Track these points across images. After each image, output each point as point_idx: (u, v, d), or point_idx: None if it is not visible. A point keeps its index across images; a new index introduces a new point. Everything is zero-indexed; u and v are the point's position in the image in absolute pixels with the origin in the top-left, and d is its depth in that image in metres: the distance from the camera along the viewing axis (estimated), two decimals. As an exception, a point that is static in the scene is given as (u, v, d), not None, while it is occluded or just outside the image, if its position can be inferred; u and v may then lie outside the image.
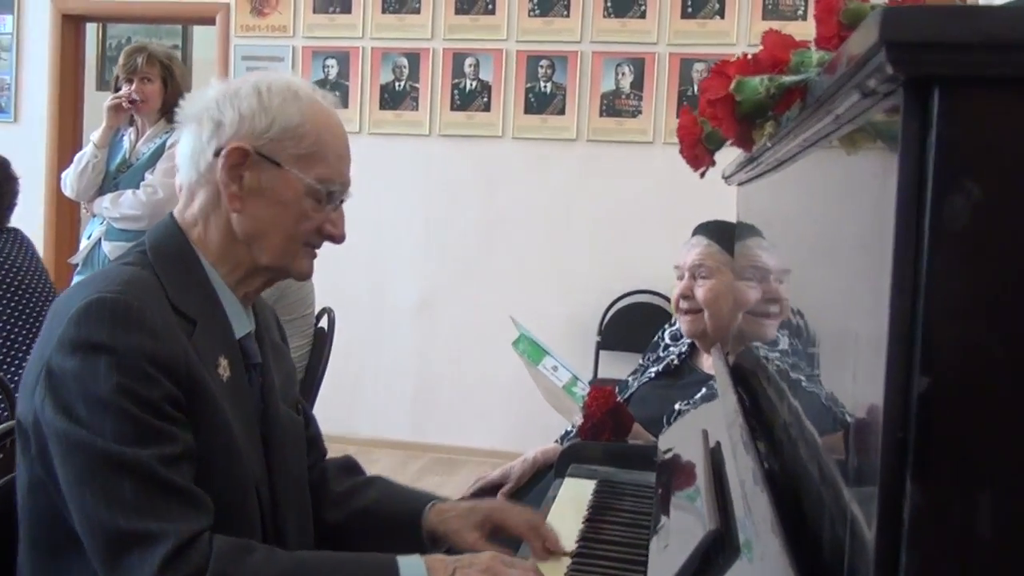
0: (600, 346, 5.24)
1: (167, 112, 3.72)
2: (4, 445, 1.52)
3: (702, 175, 1.20)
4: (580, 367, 5.20)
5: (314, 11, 5.46)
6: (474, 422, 5.38)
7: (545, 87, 5.26)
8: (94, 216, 3.88)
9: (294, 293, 3.31)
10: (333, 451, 5.56)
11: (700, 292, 2.43)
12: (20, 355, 2.84)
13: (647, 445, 2.16)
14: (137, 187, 3.74)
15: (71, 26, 5.79)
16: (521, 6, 5.24)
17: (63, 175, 3.93)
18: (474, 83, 5.32)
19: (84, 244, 3.89)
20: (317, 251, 1.54)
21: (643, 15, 5.11)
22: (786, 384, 1.18)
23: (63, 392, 1.25)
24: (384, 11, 5.39)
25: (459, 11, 5.31)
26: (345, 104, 5.43)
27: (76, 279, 3.61)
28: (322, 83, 5.46)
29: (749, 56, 0.92)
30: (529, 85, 5.27)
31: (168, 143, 3.69)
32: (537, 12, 5.23)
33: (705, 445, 1.51)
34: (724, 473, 1.30)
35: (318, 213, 1.45)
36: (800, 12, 4.87)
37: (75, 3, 5.73)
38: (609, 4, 5.14)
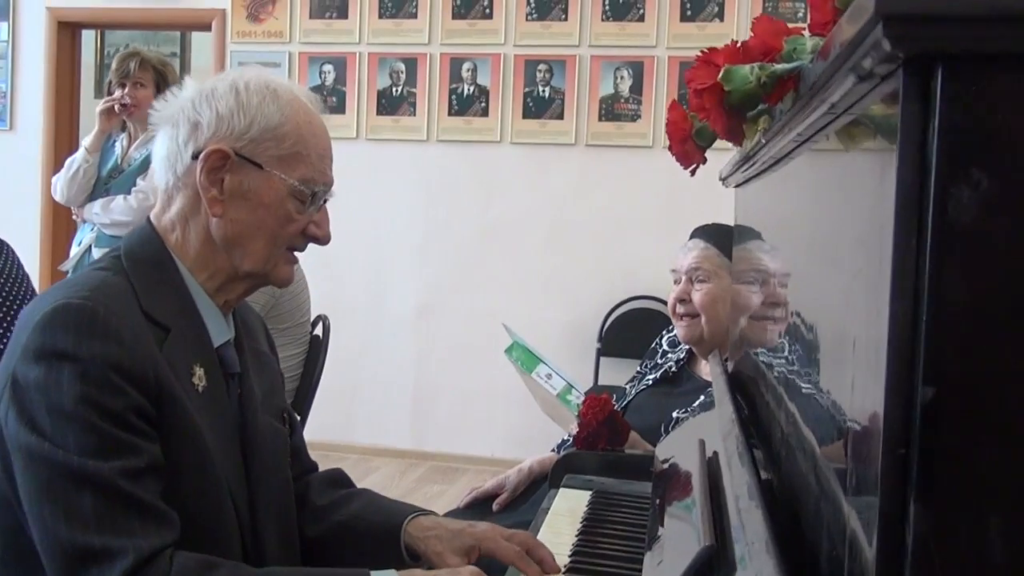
0: (600, 353, 5.19)
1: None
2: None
3: (692, 173, 1.15)
4: (580, 374, 5.18)
5: (310, 16, 5.42)
6: (474, 430, 5.32)
7: (543, 91, 5.21)
8: (84, 222, 3.83)
9: (289, 300, 3.26)
10: (332, 459, 5.53)
11: (697, 296, 2.38)
12: None
13: (644, 454, 2.11)
14: (129, 193, 3.70)
15: (67, 33, 5.75)
16: (519, 10, 5.20)
17: (54, 180, 3.89)
18: (472, 88, 5.28)
19: (74, 251, 3.84)
20: (298, 256, 1.48)
21: (642, 18, 5.06)
22: (785, 392, 1.13)
23: (27, 403, 1.20)
24: (381, 16, 5.35)
25: (456, 15, 5.27)
26: (342, 110, 5.39)
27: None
28: (319, 89, 5.42)
29: (739, 44, 0.87)
30: (527, 90, 5.22)
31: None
32: (535, 16, 5.18)
33: (701, 456, 1.45)
34: (721, 485, 1.25)
35: (302, 215, 1.40)
36: (800, 15, 4.82)
37: (70, 10, 5.69)
38: (607, 7, 5.09)
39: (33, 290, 2.94)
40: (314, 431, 5.22)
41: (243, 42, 5.49)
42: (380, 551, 1.51)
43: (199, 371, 1.34)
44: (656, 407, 2.43)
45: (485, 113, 5.27)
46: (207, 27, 5.57)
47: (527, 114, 5.23)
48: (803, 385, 0.99)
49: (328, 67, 5.42)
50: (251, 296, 3.05)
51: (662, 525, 1.44)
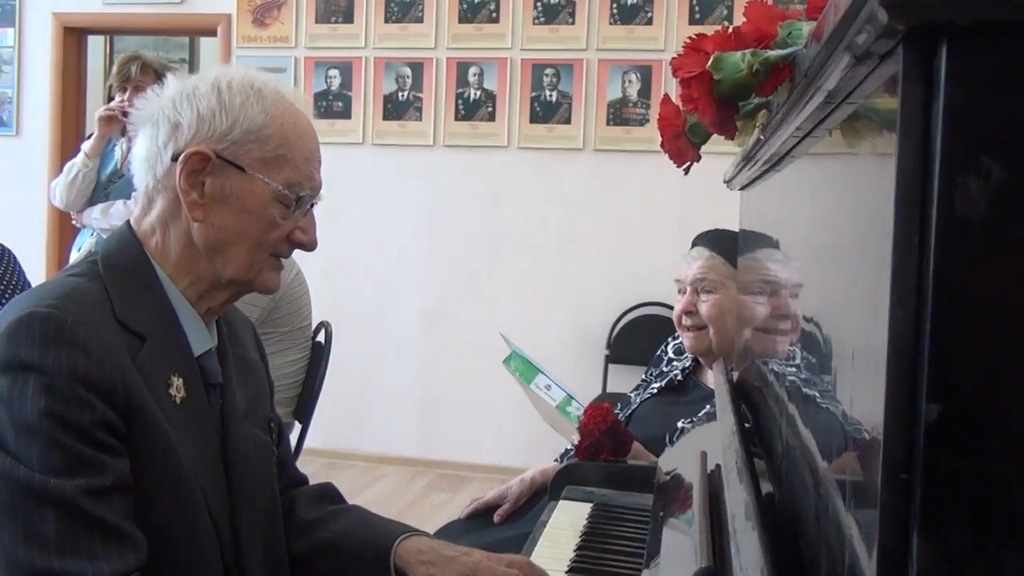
0: (609, 360, 5.12)
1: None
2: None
3: (686, 171, 1.09)
4: (589, 381, 5.13)
5: (316, 21, 5.38)
6: (481, 438, 5.26)
7: (551, 96, 5.15)
8: (84, 227, 3.79)
9: (289, 304, 3.21)
10: (339, 467, 5.48)
11: (704, 308, 2.31)
12: None
13: (648, 466, 2.05)
14: (128, 197, 3.65)
15: (73, 39, 5.73)
16: (526, 14, 5.15)
17: (53, 185, 3.85)
18: (478, 92, 5.22)
19: (74, 256, 3.80)
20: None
21: (650, 22, 5.00)
22: (787, 405, 1.06)
23: None
24: (387, 20, 5.30)
25: (463, 19, 5.22)
26: (348, 115, 5.35)
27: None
28: (324, 93, 5.38)
29: (730, 29, 0.81)
30: (534, 94, 5.17)
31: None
32: (542, 20, 5.13)
33: (703, 469, 1.39)
34: (722, 500, 1.19)
35: (287, 220, 1.35)
36: (803, 3, 4.75)
37: (76, 16, 5.67)
38: (615, 11, 5.04)
39: None
40: (321, 439, 5.22)
41: (249, 47, 5.45)
42: (367, 572, 1.45)
43: (177, 381, 1.29)
44: (661, 417, 2.37)
45: (492, 118, 5.21)
46: (212, 32, 5.54)
47: (534, 119, 5.18)
48: (805, 399, 0.93)
49: (334, 72, 5.37)
50: (251, 301, 3.05)
51: (661, 541, 1.38)
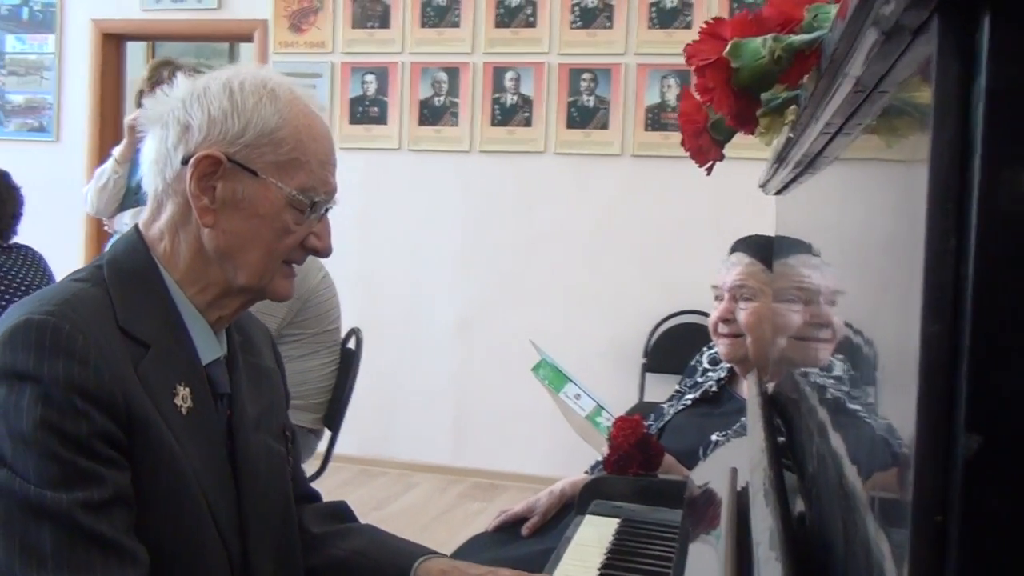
0: (646, 369, 5.04)
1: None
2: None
3: (708, 171, 1.02)
4: (625, 390, 5.04)
5: (352, 26, 5.36)
6: (516, 446, 5.20)
7: (588, 101, 5.09)
8: (115, 233, 3.79)
9: (317, 306, 3.18)
10: (372, 474, 5.44)
11: (743, 316, 2.24)
12: None
13: (679, 480, 1.98)
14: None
15: (112, 45, 5.76)
16: (563, 18, 5.09)
17: (84, 191, 3.85)
18: (515, 97, 5.17)
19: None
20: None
21: (688, 25, 4.92)
22: (819, 421, 0.99)
23: None
24: (423, 25, 5.27)
25: (499, 24, 5.17)
26: (384, 120, 5.32)
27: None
28: (360, 99, 5.36)
29: (751, 13, 0.74)
30: (571, 99, 5.11)
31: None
32: (579, 24, 5.07)
33: (732, 486, 1.32)
34: (750, 521, 1.12)
35: (300, 226, 1.30)
36: None
37: (115, 22, 5.70)
38: (653, 14, 4.96)
39: None
40: (354, 446, 5.19)
41: (285, 53, 5.45)
42: None
43: (183, 391, 1.24)
44: (694, 429, 2.29)
45: (528, 123, 5.16)
46: (249, 38, 5.54)
47: (571, 124, 5.11)
48: (836, 414, 0.86)
49: (370, 77, 5.35)
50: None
51: (687, 563, 1.31)
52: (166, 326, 1.25)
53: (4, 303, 2.83)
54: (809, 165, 1.09)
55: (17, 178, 3.20)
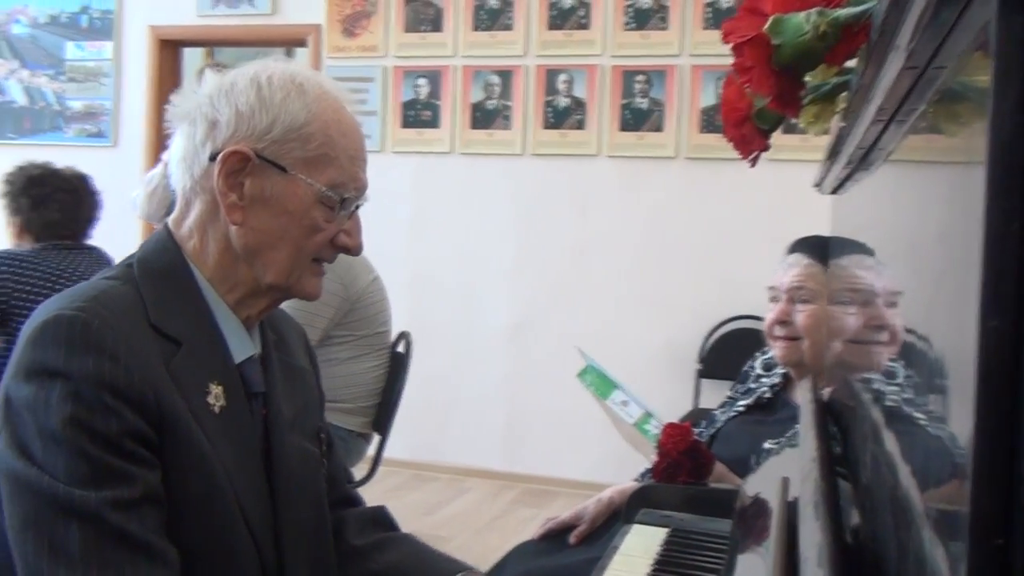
0: (701, 375, 4.96)
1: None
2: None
3: (753, 163, 0.96)
4: (679, 397, 4.97)
5: (405, 30, 5.35)
6: (568, 452, 5.14)
7: (642, 103, 5.03)
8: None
9: (366, 307, 3.16)
10: (424, 479, 5.44)
11: (800, 318, 2.17)
12: None
13: (730, 489, 1.91)
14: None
15: (168, 51, 5.82)
16: (616, 20, 5.03)
17: (134, 196, 3.87)
18: (568, 100, 5.13)
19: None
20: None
21: (745, 25, 4.84)
22: (873, 428, 0.93)
23: (18, 425, 1.09)
24: (476, 28, 5.25)
25: (552, 26, 5.13)
26: (436, 124, 5.31)
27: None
28: (413, 103, 5.35)
29: (796, -10, 0.68)
30: (625, 101, 5.05)
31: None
32: (633, 25, 5.01)
33: (782, 497, 1.26)
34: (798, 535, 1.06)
35: (330, 223, 1.27)
36: None
37: (171, 28, 5.76)
38: (708, 15, 4.89)
39: None
40: (405, 450, 5.18)
41: (338, 57, 5.46)
42: None
43: (216, 389, 1.21)
44: (747, 436, 2.23)
45: (581, 126, 5.11)
46: (302, 43, 5.56)
47: (625, 127, 5.06)
48: (894, 425, 0.80)
49: (422, 81, 5.34)
50: (325, 301, 3.00)
51: (735, 575, 1.26)
52: (198, 324, 1.23)
53: None
54: (863, 159, 1.03)
55: (75, 183, 3.25)
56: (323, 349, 3.09)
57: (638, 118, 5.03)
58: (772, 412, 2.29)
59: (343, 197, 1.26)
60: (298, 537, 1.31)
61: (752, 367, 2.48)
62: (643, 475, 2.35)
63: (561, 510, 2.39)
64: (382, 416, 3.32)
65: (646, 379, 4.91)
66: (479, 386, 5.33)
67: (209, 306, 1.25)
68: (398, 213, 5.39)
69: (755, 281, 4.69)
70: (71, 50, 5.99)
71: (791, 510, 1.21)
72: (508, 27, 5.20)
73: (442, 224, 5.35)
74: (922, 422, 0.65)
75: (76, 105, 5.97)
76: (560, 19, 5.12)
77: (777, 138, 4.05)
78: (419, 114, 5.35)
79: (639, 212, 5.06)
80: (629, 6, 5.01)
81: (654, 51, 4.99)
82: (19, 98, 6.11)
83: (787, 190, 4.57)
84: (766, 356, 2.47)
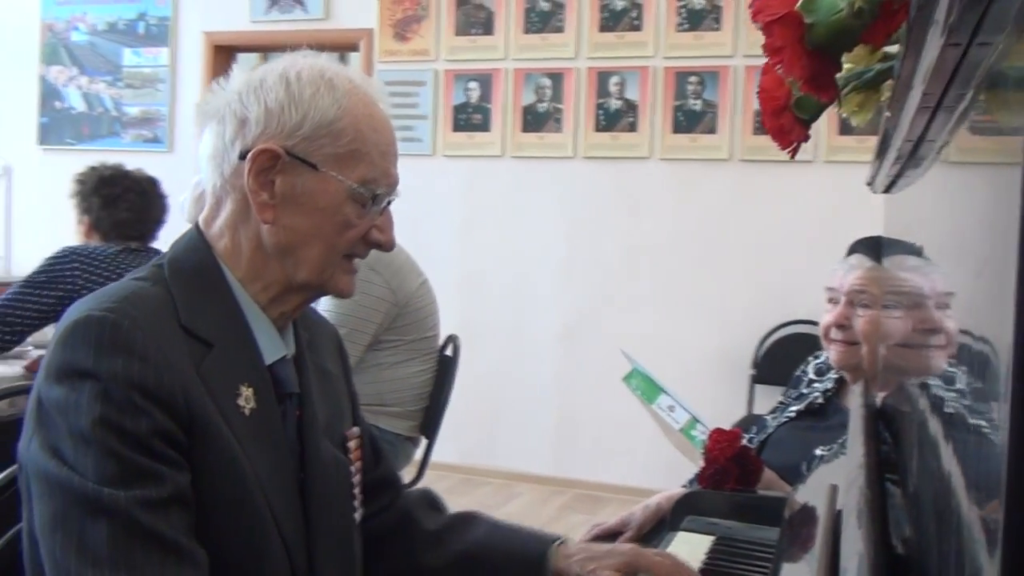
0: (755, 380, 4.89)
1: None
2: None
3: (793, 154, 0.92)
4: (733, 402, 4.89)
5: (456, 33, 5.35)
6: (620, 457, 5.09)
7: (694, 105, 4.97)
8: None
9: (414, 312, 3.15)
10: (474, 483, 5.44)
11: (860, 323, 2.09)
12: None
13: (779, 497, 1.86)
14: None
15: (223, 57, 5.88)
16: (669, 21, 4.98)
17: (180, 201, 3.90)
18: (619, 102, 5.08)
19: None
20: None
21: (800, 24, 4.76)
22: (929, 436, 0.89)
23: (50, 426, 1.09)
24: (527, 31, 5.22)
25: (604, 28, 5.09)
26: (487, 127, 5.29)
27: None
28: (464, 106, 5.34)
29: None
30: (677, 103, 4.99)
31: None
32: (686, 26, 4.95)
33: (830, 505, 1.22)
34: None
35: (363, 220, 1.25)
36: None
37: (225, 34, 5.82)
38: (763, 14, 4.81)
39: None
40: (454, 454, 5.16)
41: (389, 61, 5.47)
42: None
43: (246, 392, 1.20)
44: (798, 443, 2.17)
45: (633, 128, 5.06)
46: (354, 47, 5.59)
47: (677, 128, 5.00)
48: (949, 432, 0.76)
49: (473, 84, 5.33)
50: (373, 307, 3.00)
51: (780, 586, 1.21)
52: (229, 324, 1.22)
53: None
54: (913, 154, 0.99)
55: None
56: (371, 354, 3.08)
57: (691, 120, 4.97)
58: (824, 418, 2.24)
59: (375, 193, 1.24)
60: (328, 542, 1.29)
61: (804, 372, 2.43)
62: (692, 481, 2.31)
63: (611, 516, 2.35)
64: (430, 420, 3.30)
65: (698, 385, 4.85)
66: (529, 390, 5.30)
67: (240, 306, 1.24)
68: (449, 217, 5.39)
69: (811, 285, 4.60)
70: (128, 56, 6.08)
71: (839, 519, 1.16)
72: (559, 29, 5.17)
73: (493, 227, 5.33)
74: (984, 430, 0.61)
75: (133, 111, 6.05)
76: (612, 21, 5.08)
77: (834, 139, 4.02)
78: (470, 118, 5.34)
79: (692, 215, 5.00)
80: (682, 7, 4.95)
81: (707, 52, 4.92)
82: (78, 104, 6.22)
83: (844, 192, 4.49)
84: (818, 360, 2.41)
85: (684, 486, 2.32)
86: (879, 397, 1.67)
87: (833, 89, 0.71)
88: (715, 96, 4.92)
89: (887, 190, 1.60)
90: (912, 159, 1.05)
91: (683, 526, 1.81)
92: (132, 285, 1.19)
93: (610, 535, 2.23)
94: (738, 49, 4.88)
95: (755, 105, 4.84)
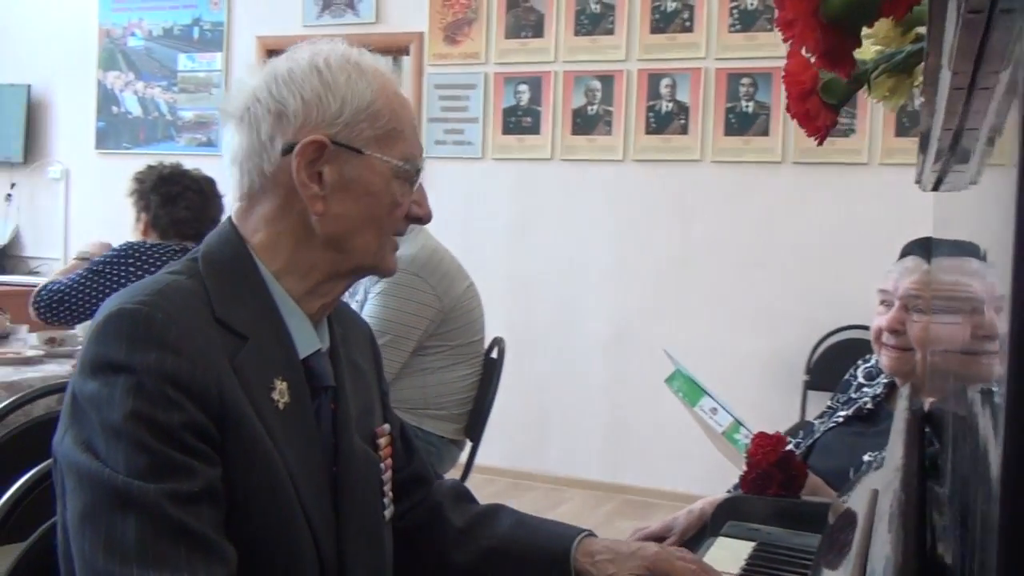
0: (808, 386, 4.80)
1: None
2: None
3: (820, 141, 0.88)
4: (785, 408, 4.81)
5: (506, 36, 5.34)
6: (670, 463, 5.03)
7: (747, 107, 4.90)
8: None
9: (460, 317, 3.14)
10: (522, 488, 5.42)
11: (915, 329, 2.02)
12: None
13: (824, 503, 1.81)
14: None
15: (276, 61, 5.93)
16: (721, 21, 4.92)
17: (228, 201, 3.94)
18: (670, 104, 5.03)
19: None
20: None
21: (855, 24, 4.68)
22: (978, 441, 0.85)
23: (84, 420, 1.09)
24: (577, 33, 5.20)
25: (655, 30, 5.05)
26: (536, 130, 5.27)
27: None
28: (513, 109, 5.33)
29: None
30: (729, 105, 4.93)
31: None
32: (738, 27, 4.89)
33: (869, 511, 1.17)
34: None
35: (406, 197, 1.27)
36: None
37: (277, 39, 5.87)
38: (817, 14, 4.74)
39: None
40: (503, 458, 5.15)
41: (440, 64, 5.48)
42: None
43: (280, 386, 1.19)
44: (846, 448, 2.12)
45: (684, 131, 5.01)
46: (405, 51, 5.60)
47: (729, 131, 4.94)
48: (998, 438, 0.72)
49: (523, 87, 5.31)
50: (419, 313, 2.99)
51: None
52: (263, 318, 1.21)
53: None
54: (954, 145, 0.94)
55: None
56: (417, 359, 3.07)
57: (743, 122, 4.91)
58: (873, 423, 2.18)
59: (417, 168, 1.27)
60: (358, 538, 1.28)
61: (853, 375, 2.37)
62: (736, 486, 2.26)
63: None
64: (475, 423, 3.29)
65: (751, 391, 4.78)
66: (579, 394, 5.26)
67: (274, 299, 1.23)
68: (498, 220, 5.37)
69: (866, 289, 4.50)
70: (183, 61, 6.17)
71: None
72: (610, 31, 5.13)
73: (542, 231, 5.31)
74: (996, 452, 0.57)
75: (187, 115, 6.13)
76: (663, 22, 5.04)
77: (890, 140, 3.92)
78: (520, 120, 5.32)
79: (744, 218, 4.93)
80: (734, 7, 4.89)
81: (760, 52, 4.85)
82: (134, 109, 6.32)
83: (900, 195, 4.40)
84: (868, 364, 2.35)
85: (728, 491, 2.28)
86: (927, 402, 1.62)
87: (850, 64, 0.67)
88: (768, 98, 4.85)
89: (935, 187, 1.55)
90: (956, 151, 1.00)
91: (723, 531, 1.77)
92: (166, 278, 1.19)
93: (654, 539, 2.19)
94: (792, 50, 4.81)
95: (809, 106, 4.77)
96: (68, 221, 6.60)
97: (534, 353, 5.17)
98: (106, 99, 6.42)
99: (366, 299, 3.05)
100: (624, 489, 5.15)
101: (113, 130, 6.39)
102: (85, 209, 6.50)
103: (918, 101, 0.96)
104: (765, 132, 4.86)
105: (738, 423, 1.99)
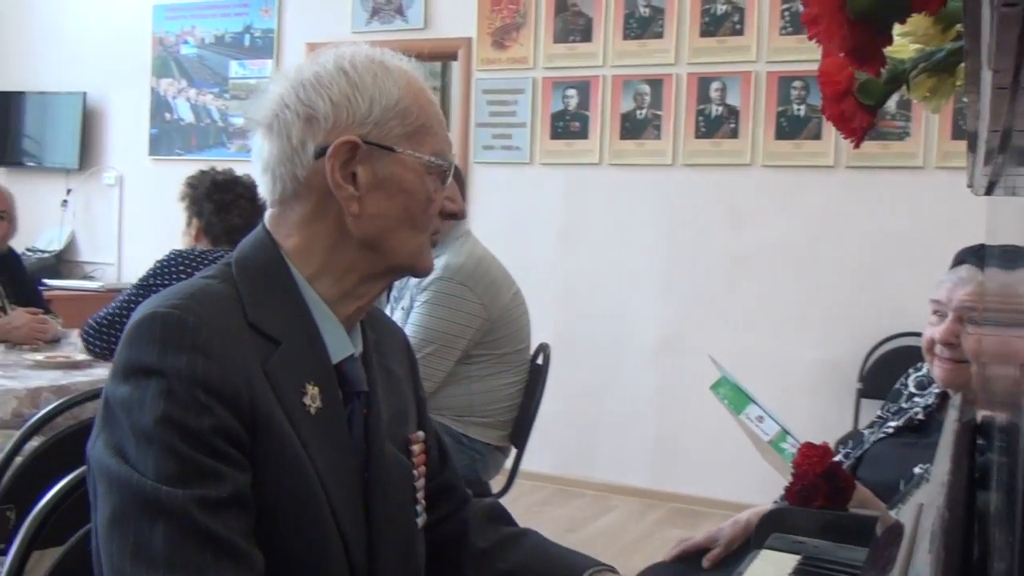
0: (861, 394, 4.72)
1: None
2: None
3: (857, 143, 0.85)
4: (837, 416, 4.73)
5: (554, 41, 5.32)
6: (719, 471, 4.97)
7: (799, 110, 4.84)
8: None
9: (507, 325, 3.12)
10: (570, 494, 5.40)
11: (970, 342, 1.97)
12: None
13: (872, 515, 1.76)
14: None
15: (326, 68, 5.97)
16: (772, 24, 4.86)
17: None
18: (720, 108, 4.98)
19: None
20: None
21: (909, 26, 4.59)
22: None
23: (115, 425, 1.09)
24: (625, 37, 5.17)
25: (704, 33, 5.00)
26: (585, 135, 5.25)
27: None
28: (561, 114, 5.31)
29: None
30: (780, 108, 4.87)
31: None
32: (789, 30, 4.82)
33: (914, 526, 1.14)
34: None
35: (439, 192, 1.26)
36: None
37: (328, 46, 5.89)
38: (870, 16, 4.66)
39: None
40: (550, 465, 5.12)
41: (488, 69, 5.47)
42: None
43: (312, 390, 1.19)
44: (896, 460, 2.07)
45: (735, 135, 4.95)
46: (454, 56, 5.60)
47: (780, 135, 4.87)
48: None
49: (571, 92, 5.29)
50: (465, 323, 2.99)
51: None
52: (296, 322, 1.21)
53: None
54: (1004, 146, 0.91)
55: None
56: (462, 367, 3.06)
57: (794, 126, 4.84)
58: (924, 434, 2.12)
59: (449, 163, 1.26)
60: (390, 544, 1.27)
61: (904, 385, 2.31)
62: (783, 497, 2.22)
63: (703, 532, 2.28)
64: (519, 429, 3.27)
65: (803, 399, 4.71)
66: (627, 401, 5.22)
67: (307, 304, 1.23)
68: (547, 225, 5.35)
69: (920, 296, 4.37)
70: (234, 68, 6.23)
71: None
72: (659, 35, 5.09)
73: (591, 236, 5.28)
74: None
75: (239, 122, 6.19)
76: (712, 25, 4.98)
77: (946, 143, 3.83)
78: (568, 125, 5.30)
79: (796, 224, 4.86)
80: (785, 10, 4.83)
81: (812, 56, 4.76)
82: (187, 116, 6.40)
83: (957, 199, 4.30)
84: (919, 373, 2.30)
85: (775, 502, 2.23)
86: (979, 414, 1.57)
87: (879, 62, 0.64)
88: (819, 101, 4.77)
89: (988, 191, 1.50)
90: (1008, 153, 0.97)
91: (767, 544, 1.73)
92: (199, 283, 1.19)
93: (698, 551, 2.16)
94: (844, 52, 4.73)
95: (862, 110, 4.69)
96: (122, 226, 6.70)
97: (583, 360, 5.14)
98: (159, 106, 6.51)
99: (411, 306, 3.04)
100: (672, 497, 5.10)
101: (166, 137, 6.48)
102: (139, 214, 6.60)
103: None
104: (817, 136, 4.79)
105: (785, 432, 1.95)
